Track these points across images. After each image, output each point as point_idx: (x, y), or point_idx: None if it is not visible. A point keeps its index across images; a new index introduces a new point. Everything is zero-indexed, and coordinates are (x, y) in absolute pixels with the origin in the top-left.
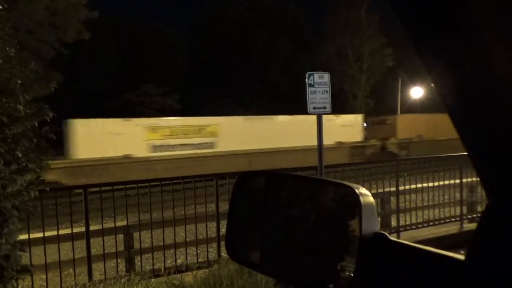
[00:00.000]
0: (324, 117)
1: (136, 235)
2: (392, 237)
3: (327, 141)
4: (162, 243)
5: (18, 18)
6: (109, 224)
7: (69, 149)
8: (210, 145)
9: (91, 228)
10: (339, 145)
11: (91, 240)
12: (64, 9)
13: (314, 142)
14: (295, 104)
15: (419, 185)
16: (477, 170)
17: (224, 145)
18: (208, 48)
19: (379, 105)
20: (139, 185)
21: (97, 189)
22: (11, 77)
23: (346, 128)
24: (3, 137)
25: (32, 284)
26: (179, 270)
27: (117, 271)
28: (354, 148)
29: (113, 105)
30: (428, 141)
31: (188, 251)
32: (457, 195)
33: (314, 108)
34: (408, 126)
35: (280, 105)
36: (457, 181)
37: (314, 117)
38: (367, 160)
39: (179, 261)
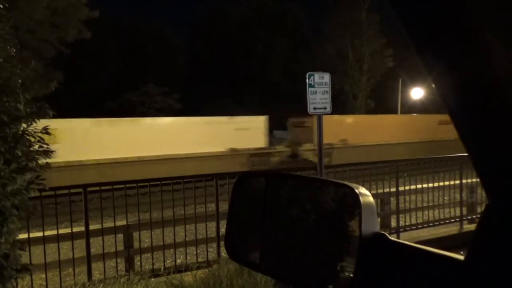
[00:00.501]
0: (213, 119)
1: (135, 234)
2: (392, 237)
3: (218, 147)
4: (161, 243)
5: (18, 17)
6: (108, 224)
7: None
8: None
9: (91, 227)
10: (233, 152)
11: (91, 240)
12: (64, 8)
13: (194, 149)
14: (295, 104)
15: (419, 186)
16: (477, 170)
17: (67, 154)
18: (208, 48)
19: (378, 105)
20: (139, 184)
21: (97, 188)
22: (12, 76)
23: (243, 132)
24: (3, 136)
25: (32, 283)
26: (178, 270)
27: (117, 270)
28: (254, 156)
29: (113, 105)
30: (354, 146)
31: (187, 251)
32: (457, 196)
33: (315, 108)
34: (330, 129)
35: (281, 105)
36: (457, 182)
37: (194, 119)
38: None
39: (178, 261)
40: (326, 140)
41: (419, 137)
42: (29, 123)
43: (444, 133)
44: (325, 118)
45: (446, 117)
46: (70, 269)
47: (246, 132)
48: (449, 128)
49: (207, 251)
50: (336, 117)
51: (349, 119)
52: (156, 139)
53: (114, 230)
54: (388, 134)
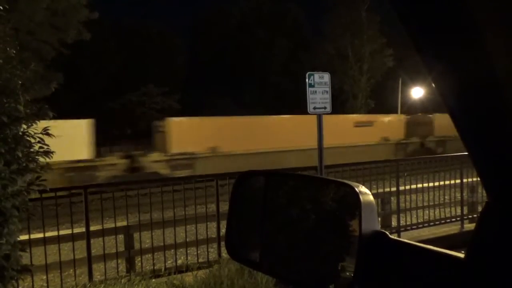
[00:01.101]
0: None
1: (136, 235)
2: (392, 236)
3: None
4: (162, 244)
5: (18, 18)
6: (109, 225)
7: None
8: None
9: (92, 228)
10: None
11: (92, 241)
12: (64, 9)
13: None
14: (295, 104)
15: (419, 185)
16: (477, 169)
17: None
18: (208, 48)
19: (379, 105)
20: (140, 185)
21: (98, 189)
22: (12, 77)
23: (53, 140)
24: (4, 137)
25: (33, 284)
26: (179, 270)
27: (118, 271)
28: (73, 170)
29: (113, 105)
30: (228, 155)
31: (188, 251)
32: (458, 195)
33: (314, 108)
34: (190, 133)
35: (281, 105)
36: (458, 181)
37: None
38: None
39: (179, 262)
40: (184, 148)
41: (326, 141)
42: (29, 124)
43: (361, 137)
44: (185, 121)
45: (363, 118)
46: (71, 270)
47: (57, 140)
48: (368, 131)
49: (207, 252)
50: (197, 119)
51: (223, 121)
52: None
53: (115, 231)
54: (281, 139)
